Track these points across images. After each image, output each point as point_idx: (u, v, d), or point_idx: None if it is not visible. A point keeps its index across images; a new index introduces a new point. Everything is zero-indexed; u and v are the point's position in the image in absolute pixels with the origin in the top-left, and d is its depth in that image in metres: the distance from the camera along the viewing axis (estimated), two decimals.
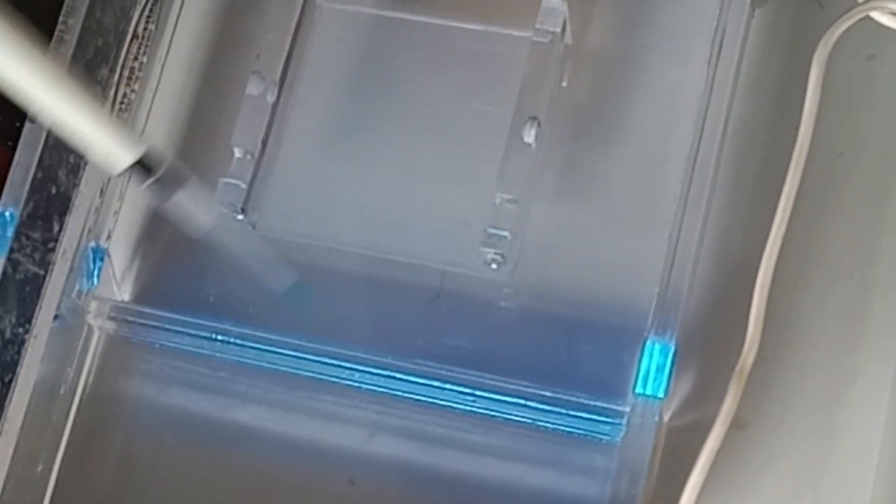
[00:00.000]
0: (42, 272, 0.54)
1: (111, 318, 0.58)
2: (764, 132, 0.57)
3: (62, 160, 0.55)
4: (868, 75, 0.58)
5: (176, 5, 0.61)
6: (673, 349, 0.51)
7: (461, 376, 0.55)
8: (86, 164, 0.56)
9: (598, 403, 0.53)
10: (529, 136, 0.54)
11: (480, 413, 0.55)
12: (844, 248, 0.56)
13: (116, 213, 0.60)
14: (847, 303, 0.55)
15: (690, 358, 0.54)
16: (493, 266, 0.55)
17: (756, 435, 0.54)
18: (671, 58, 0.58)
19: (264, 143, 0.57)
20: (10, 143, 0.59)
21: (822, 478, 0.54)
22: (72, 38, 0.55)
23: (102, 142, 0.45)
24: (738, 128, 0.57)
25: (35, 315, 0.54)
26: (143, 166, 0.47)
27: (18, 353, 0.54)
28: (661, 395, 0.51)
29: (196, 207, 0.50)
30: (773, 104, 0.57)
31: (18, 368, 0.54)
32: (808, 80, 0.54)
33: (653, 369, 0.51)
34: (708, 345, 0.55)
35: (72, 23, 0.55)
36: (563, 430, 0.54)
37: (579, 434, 0.54)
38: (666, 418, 0.54)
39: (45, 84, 0.43)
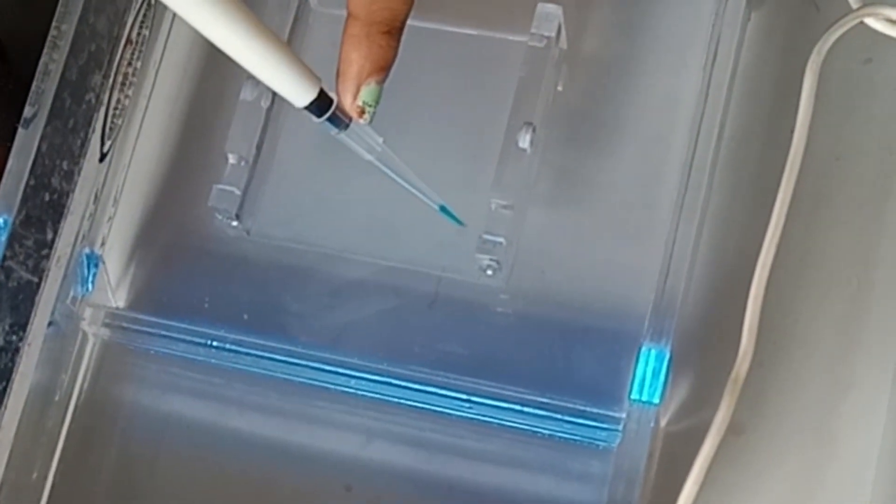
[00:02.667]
0: (36, 279, 0.54)
1: (106, 325, 0.58)
2: (760, 136, 0.57)
3: (55, 167, 0.55)
4: (865, 79, 0.58)
5: (170, 11, 0.61)
6: (668, 355, 0.51)
7: (457, 382, 0.54)
8: (80, 170, 0.56)
9: (594, 409, 0.53)
10: (525, 141, 0.54)
11: (476, 419, 0.55)
12: (841, 253, 0.56)
13: (111, 219, 0.59)
14: (844, 308, 0.55)
15: (687, 363, 0.54)
16: (489, 272, 0.55)
17: (753, 441, 0.54)
18: (667, 62, 0.58)
19: (258, 148, 0.57)
20: (8, 145, 0.59)
21: (820, 485, 0.53)
22: (65, 44, 0.55)
23: (288, 84, 0.48)
24: (735, 132, 0.56)
25: (29, 322, 0.54)
26: (319, 104, 0.49)
27: (13, 360, 0.53)
28: (656, 400, 0.51)
29: (359, 143, 0.51)
30: (769, 108, 0.57)
31: (13, 376, 0.53)
32: (803, 86, 0.54)
33: (648, 375, 0.51)
34: (704, 350, 0.55)
35: (65, 28, 0.55)
36: (559, 436, 0.54)
37: (575, 440, 0.54)
38: (662, 424, 0.54)
39: (239, 32, 0.45)
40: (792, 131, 0.54)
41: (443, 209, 0.55)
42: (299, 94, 0.48)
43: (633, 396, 0.51)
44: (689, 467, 0.50)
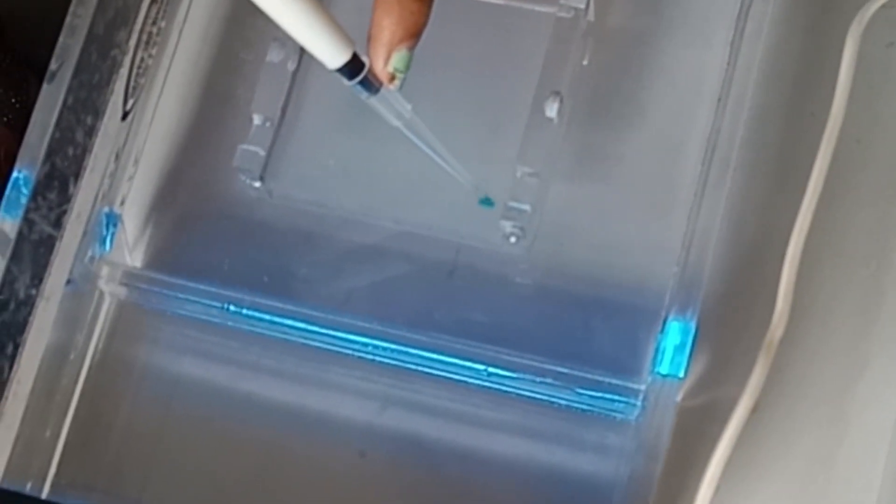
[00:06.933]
0: (57, 234, 0.54)
1: (122, 284, 0.57)
2: (785, 113, 0.57)
3: (80, 121, 0.54)
4: (887, 62, 0.58)
5: None
6: (695, 328, 0.51)
7: (475, 351, 0.54)
8: (102, 127, 0.56)
9: (613, 381, 0.53)
10: (552, 110, 0.54)
11: (493, 388, 0.55)
12: (859, 234, 0.56)
13: (131, 178, 0.59)
14: (861, 289, 0.55)
15: (703, 339, 0.54)
16: (512, 240, 0.55)
17: (768, 418, 0.54)
18: (693, 37, 0.58)
19: (283, 110, 0.57)
20: (5, 119, 0.59)
21: (834, 462, 0.54)
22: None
23: (322, 45, 0.47)
24: (759, 107, 0.56)
25: (47, 276, 0.54)
26: (351, 67, 0.48)
27: (30, 313, 0.53)
28: (681, 374, 0.51)
29: (387, 109, 0.51)
30: (794, 84, 0.57)
31: (29, 329, 0.53)
32: (843, 54, 0.53)
33: (672, 348, 0.51)
34: (721, 326, 0.55)
35: None
36: (576, 407, 0.54)
37: (593, 411, 0.54)
38: (678, 399, 0.54)
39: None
40: (815, 108, 0.54)
41: (482, 199, 0.55)
42: (333, 55, 0.48)
43: (657, 370, 0.51)
44: (704, 443, 0.50)
